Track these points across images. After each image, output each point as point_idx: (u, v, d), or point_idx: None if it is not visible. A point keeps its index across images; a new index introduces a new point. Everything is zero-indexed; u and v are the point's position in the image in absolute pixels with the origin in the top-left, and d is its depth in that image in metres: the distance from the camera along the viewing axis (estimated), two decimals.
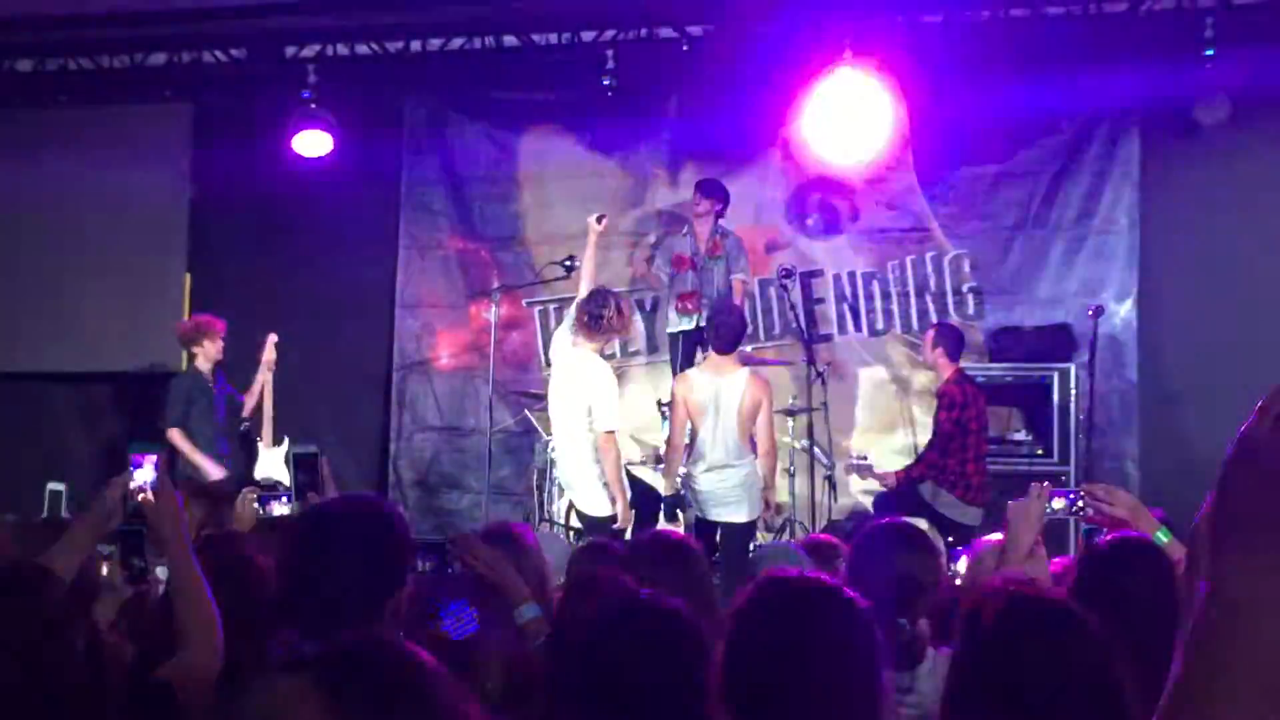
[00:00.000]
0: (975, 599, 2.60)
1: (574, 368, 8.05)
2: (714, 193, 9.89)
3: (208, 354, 9.69)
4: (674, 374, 9.90)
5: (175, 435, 9.39)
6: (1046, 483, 3.90)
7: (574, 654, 2.62)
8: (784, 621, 2.49)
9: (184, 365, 10.27)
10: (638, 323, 10.58)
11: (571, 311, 8.22)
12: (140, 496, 3.32)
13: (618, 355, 10.79)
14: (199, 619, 3.14)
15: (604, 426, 7.88)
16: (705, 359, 8.40)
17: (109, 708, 2.90)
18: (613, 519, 7.89)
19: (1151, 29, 9.66)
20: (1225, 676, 1.07)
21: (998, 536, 4.21)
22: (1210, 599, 1.09)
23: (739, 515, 7.96)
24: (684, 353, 9.75)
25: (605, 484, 7.95)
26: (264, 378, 9.77)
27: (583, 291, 8.32)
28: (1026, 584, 3.24)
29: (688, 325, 9.76)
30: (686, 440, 8.16)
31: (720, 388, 8.01)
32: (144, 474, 3.33)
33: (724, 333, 8.14)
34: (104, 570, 4.04)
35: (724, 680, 2.42)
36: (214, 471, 9.28)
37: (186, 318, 10.16)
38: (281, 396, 11.07)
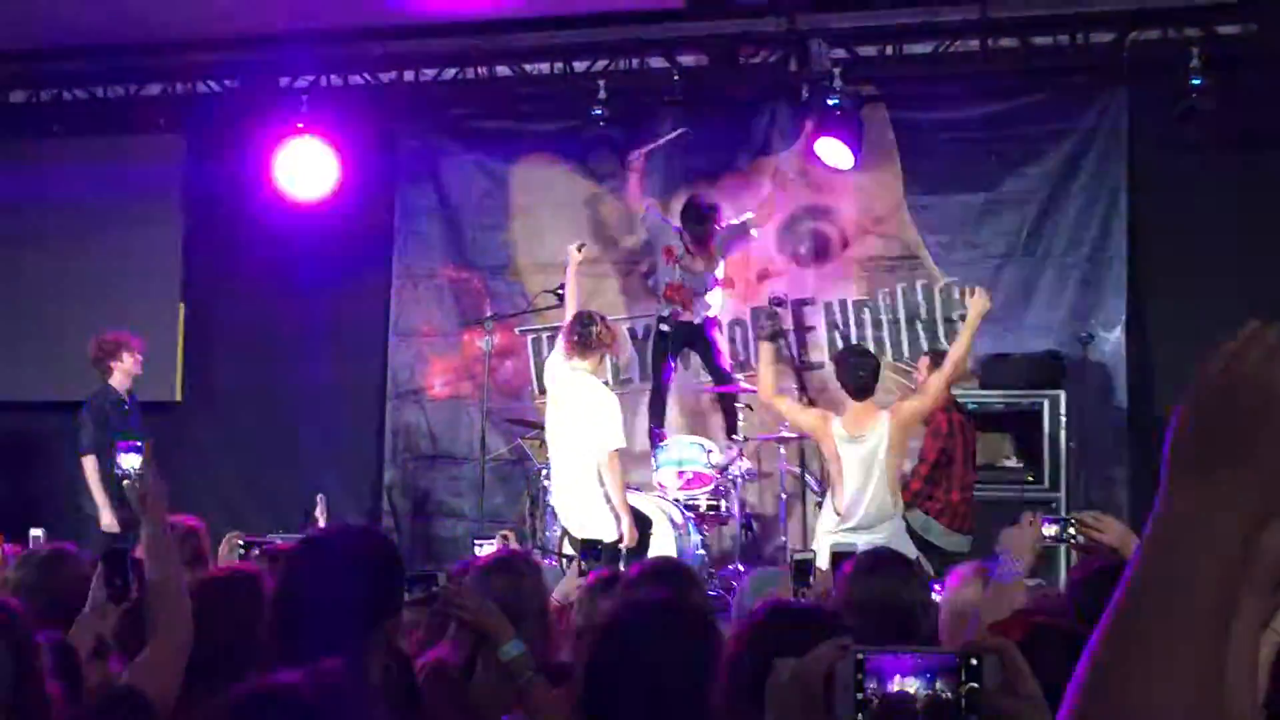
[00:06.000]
0: (994, 629, 2.63)
1: (575, 388, 8.14)
2: (715, 210, 9.95)
3: (126, 370, 9.43)
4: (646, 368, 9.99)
5: (89, 465, 8.96)
6: (1039, 511, 3.93)
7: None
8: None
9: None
10: (627, 344, 10.62)
11: (559, 341, 8.30)
12: (125, 483, 3.37)
13: (610, 382, 10.82)
14: (171, 609, 3.18)
15: (609, 445, 7.97)
16: (846, 413, 7.87)
17: None
18: (616, 544, 7.95)
19: (1138, 58, 9.74)
20: (1168, 598, 1.10)
21: (973, 564, 4.24)
22: (1161, 519, 1.12)
23: None
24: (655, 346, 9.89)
25: (610, 505, 8.02)
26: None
27: (568, 318, 8.42)
28: (1040, 613, 3.27)
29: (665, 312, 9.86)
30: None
31: (867, 444, 7.64)
32: (130, 461, 3.39)
33: (860, 375, 7.80)
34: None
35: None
36: (107, 519, 8.85)
37: (103, 338, 9.64)
38: (275, 427, 11.12)
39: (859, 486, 7.58)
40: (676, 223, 9.95)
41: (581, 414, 8.04)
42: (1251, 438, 1.10)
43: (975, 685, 1.56)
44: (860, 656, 1.60)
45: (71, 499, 9.45)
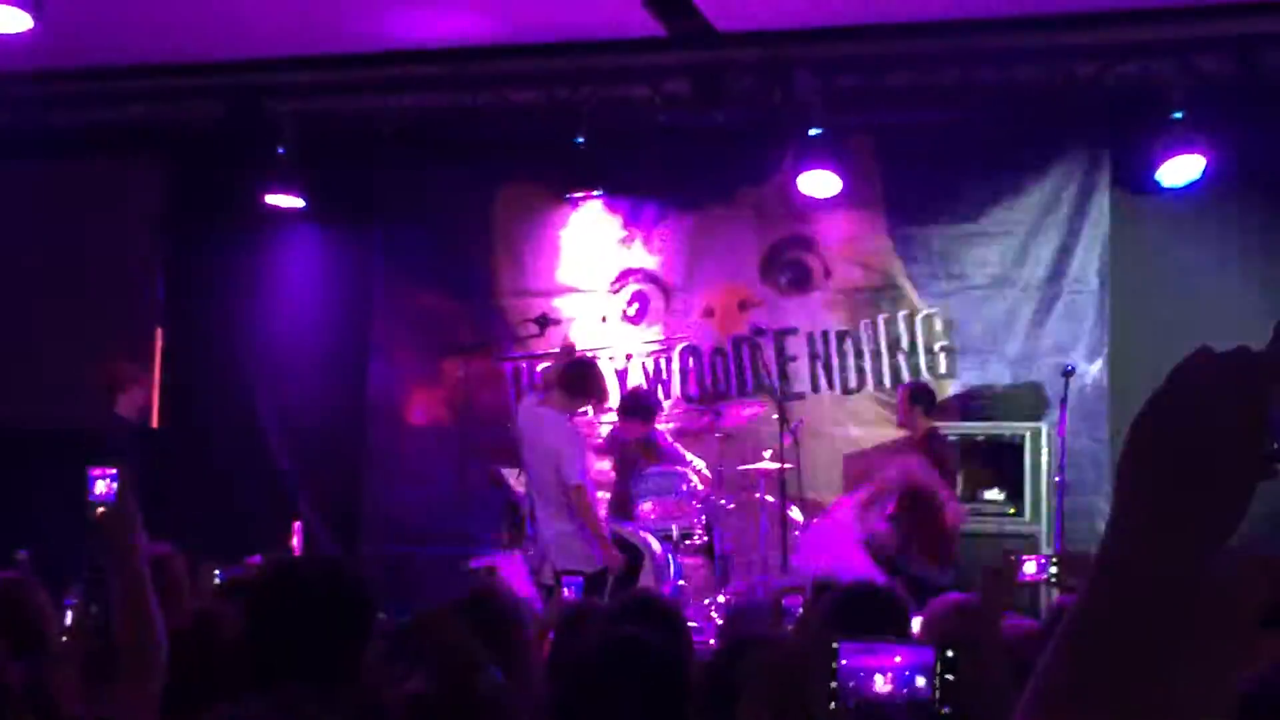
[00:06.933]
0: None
1: (541, 424, 8.18)
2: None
3: (133, 400, 9.36)
4: None
5: None
6: (1020, 548, 3.92)
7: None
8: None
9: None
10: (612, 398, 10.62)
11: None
12: (98, 510, 3.32)
13: (590, 412, 10.78)
14: (145, 639, 3.14)
15: (571, 480, 7.99)
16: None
17: None
18: (600, 574, 7.95)
19: (1120, 91, 9.76)
20: (1114, 618, 1.12)
21: (955, 596, 4.20)
22: (1108, 538, 1.15)
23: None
24: None
25: (585, 537, 8.04)
26: None
27: None
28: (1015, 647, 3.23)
29: None
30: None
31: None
32: (101, 488, 3.34)
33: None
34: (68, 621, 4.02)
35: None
36: None
37: (113, 366, 9.56)
38: (253, 452, 11.05)
39: None
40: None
41: (548, 449, 8.11)
42: (1198, 462, 1.12)
43: (950, 677, 1.56)
44: (835, 646, 1.60)
45: (70, 527, 9.34)
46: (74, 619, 3.87)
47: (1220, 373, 1.14)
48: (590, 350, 10.54)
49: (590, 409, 8.74)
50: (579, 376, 8.25)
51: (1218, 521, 1.12)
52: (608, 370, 10.74)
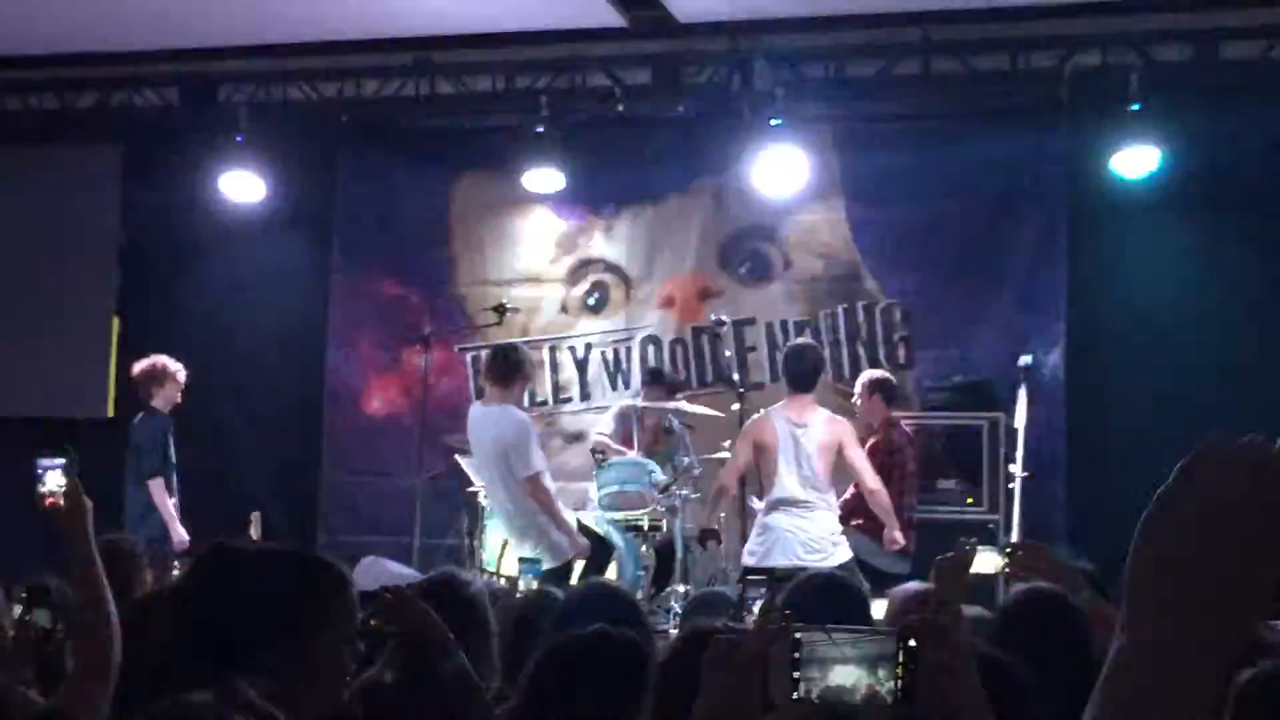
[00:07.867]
0: None
1: (487, 423, 8.20)
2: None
3: (168, 396, 9.24)
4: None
5: (156, 487, 8.83)
6: (975, 539, 3.92)
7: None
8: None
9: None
10: (567, 369, 10.64)
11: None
12: (49, 502, 3.26)
13: (550, 402, 10.81)
14: (98, 630, 3.10)
15: (523, 471, 7.98)
16: (784, 402, 8.47)
17: None
18: (564, 568, 7.99)
19: (1078, 82, 9.80)
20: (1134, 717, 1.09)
21: (916, 586, 4.22)
22: (1122, 643, 1.11)
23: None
24: None
25: (545, 528, 8.08)
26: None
27: None
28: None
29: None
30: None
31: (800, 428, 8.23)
32: (53, 479, 3.29)
33: (800, 369, 8.43)
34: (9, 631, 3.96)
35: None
36: (180, 535, 8.70)
37: (146, 365, 9.44)
38: (210, 443, 10.97)
39: (789, 463, 8.12)
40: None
41: (499, 444, 8.13)
42: (1223, 575, 1.08)
43: (913, 667, 1.56)
44: (797, 636, 1.60)
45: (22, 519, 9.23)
46: (18, 623, 3.80)
47: (1241, 475, 1.08)
48: (548, 340, 10.62)
49: (526, 394, 8.76)
50: (504, 362, 8.27)
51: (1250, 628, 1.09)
52: (567, 360, 10.79)
